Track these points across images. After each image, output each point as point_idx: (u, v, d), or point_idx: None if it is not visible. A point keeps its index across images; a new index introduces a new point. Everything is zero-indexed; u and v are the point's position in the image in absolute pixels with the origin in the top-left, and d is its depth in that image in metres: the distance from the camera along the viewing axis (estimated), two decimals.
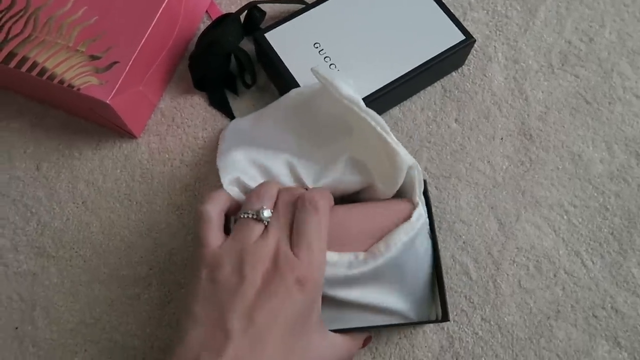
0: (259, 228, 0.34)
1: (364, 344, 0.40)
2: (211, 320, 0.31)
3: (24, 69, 0.44)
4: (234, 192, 0.39)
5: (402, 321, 0.40)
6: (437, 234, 0.46)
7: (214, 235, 0.35)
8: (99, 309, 0.44)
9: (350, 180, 0.41)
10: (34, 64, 0.44)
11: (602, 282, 0.46)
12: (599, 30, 0.55)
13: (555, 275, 0.46)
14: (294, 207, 0.35)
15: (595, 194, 0.48)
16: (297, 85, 0.47)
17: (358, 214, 0.38)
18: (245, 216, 0.35)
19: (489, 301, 0.45)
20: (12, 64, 0.44)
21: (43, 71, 0.44)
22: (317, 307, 0.34)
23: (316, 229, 0.34)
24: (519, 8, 0.56)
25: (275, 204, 0.36)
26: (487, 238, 0.47)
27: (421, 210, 0.39)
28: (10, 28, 0.46)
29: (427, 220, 0.40)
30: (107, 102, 0.43)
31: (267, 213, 0.35)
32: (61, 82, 0.44)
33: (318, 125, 0.44)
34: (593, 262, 0.46)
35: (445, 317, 0.40)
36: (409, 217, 0.38)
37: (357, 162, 0.41)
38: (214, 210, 0.36)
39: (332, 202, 0.38)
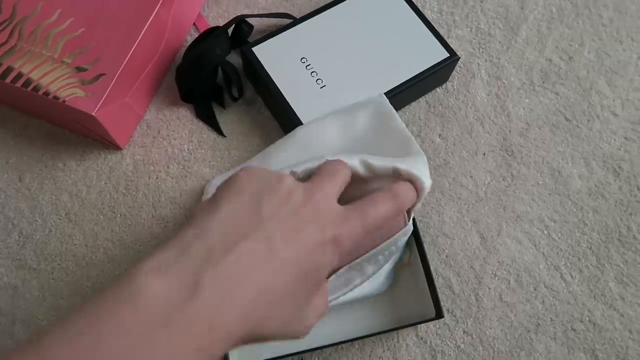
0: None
1: None
2: (247, 201, 0.28)
3: (8, 79, 0.44)
4: None
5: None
6: None
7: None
8: None
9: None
10: (19, 75, 0.44)
11: (581, 296, 0.47)
12: (578, 49, 0.57)
13: (535, 289, 0.47)
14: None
15: (574, 210, 0.50)
16: (284, 99, 0.47)
17: None
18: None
19: (471, 315, 0.45)
20: None
21: (28, 82, 0.44)
22: (326, 273, 0.31)
23: (383, 211, 0.32)
24: (501, 26, 0.58)
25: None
26: (469, 252, 0.48)
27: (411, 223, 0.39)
28: None
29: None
30: (93, 114, 0.43)
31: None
32: (46, 93, 0.43)
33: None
34: (572, 276, 0.47)
35: (439, 314, 0.41)
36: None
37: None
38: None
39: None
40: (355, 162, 0.35)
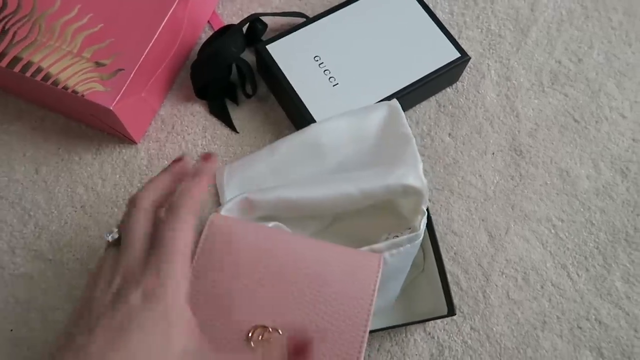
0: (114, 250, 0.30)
1: None
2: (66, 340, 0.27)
3: (28, 73, 0.45)
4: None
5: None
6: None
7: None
8: None
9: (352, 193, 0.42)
10: (39, 69, 0.45)
11: (587, 294, 0.47)
12: (587, 51, 0.58)
13: (542, 287, 0.47)
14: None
15: (582, 209, 0.50)
16: (297, 96, 0.48)
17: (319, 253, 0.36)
18: (108, 237, 0.31)
19: (478, 311, 0.46)
20: (17, 69, 0.45)
21: (47, 76, 0.45)
22: (185, 333, 0.28)
23: (173, 237, 0.29)
24: (511, 28, 0.58)
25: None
26: (477, 250, 0.48)
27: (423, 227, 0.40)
28: (15, 32, 0.46)
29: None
30: (111, 108, 0.44)
31: (113, 237, 0.31)
32: (65, 87, 0.44)
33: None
34: (578, 275, 0.48)
35: (451, 312, 0.42)
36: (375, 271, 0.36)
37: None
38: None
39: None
40: (351, 189, 0.41)
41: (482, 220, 0.49)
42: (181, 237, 0.29)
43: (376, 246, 0.39)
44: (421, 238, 0.40)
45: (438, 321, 0.46)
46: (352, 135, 0.47)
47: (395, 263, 0.40)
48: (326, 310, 0.34)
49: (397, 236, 0.41)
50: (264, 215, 0.43)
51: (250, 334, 0.33)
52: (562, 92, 0.55)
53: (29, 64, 0.45)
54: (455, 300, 0.46)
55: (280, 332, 0.33)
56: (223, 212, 0.41)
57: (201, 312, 0.32)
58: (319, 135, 0.46)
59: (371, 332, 0.42)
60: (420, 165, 0.42)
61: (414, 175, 0.41)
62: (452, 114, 0.54)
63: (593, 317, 0.46)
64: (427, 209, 0.43)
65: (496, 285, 0.47)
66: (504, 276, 0.47)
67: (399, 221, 0.44)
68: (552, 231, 0.49)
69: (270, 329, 0.33)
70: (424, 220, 0.41)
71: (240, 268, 0.35)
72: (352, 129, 0.47)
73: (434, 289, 0.44)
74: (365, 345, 0.34)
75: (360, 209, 0.44)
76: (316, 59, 0.50)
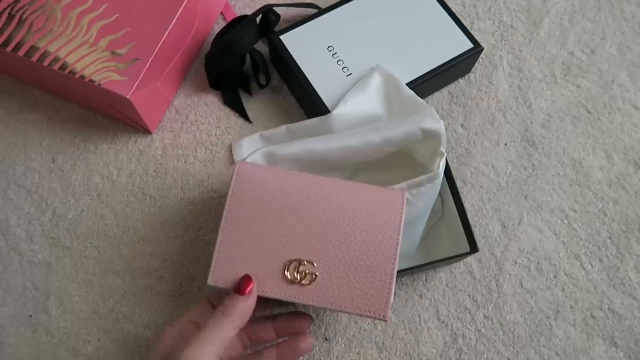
0: None
1: None
2: None
3: (45, 62, 0.45)
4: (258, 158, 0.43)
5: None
6: None
7: None
8: (112, 300, 0.45)
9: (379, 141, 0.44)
10: (56, 59, 0.45)
11: (600, 284, 0.47)
12: (600, 42, 0.57)
13: (555, 277, 0.47)
14: None
15: (595, 200, 0.50)
16: (311, 86, 0.48)
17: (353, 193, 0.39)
18: None
19: (491, 300, 0.46)
20: (34, 58, 0.45)
21: (64, 66, 0.45)
22: None
23: None
24: (523, 19, 0.58)
25: None
26: (490, 239, 0.49)
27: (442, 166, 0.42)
28: (32, 22, 0.47)
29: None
30: (128, 97, 0.44)
31: None
32: (82, 77, 0.45)
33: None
34: (592, 265, 0.48)
35: (474, 249, 0.42)
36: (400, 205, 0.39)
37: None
38: None
39: None
40: (374, 137, 0.43)
41: (495, 210, 0.50)
42: None
43: (397, 185, 0.41)
44: (441, 178, 0.42)
45: (452, 309, 0.46)
46: (360, 114, 0.47)
47: (417, 203, 0.42)
48: (357, 240, 0.37)
49: None
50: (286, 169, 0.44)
51: (286, 267, 0.36)
52: (575, 84, 0.55)
53: (46, 54, 0.46)
54: (469, 289, 0.47)
55: (315, 264, 0.36)
56: (249, 160, 0.43)
57: (238, 252, 0.36)
58: (331, 127, 0.47)
59: (398, 272, 0.41)
60: (433, 109, 0.44)
61: (430, 117, 0.43)
62: (464, 105, 0.54)
63: (606, 306, 0.47)
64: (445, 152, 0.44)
65: (509, 275, 0.47)
66: (517, 266, 0.48)
67: (418, 171, 0.45)
68: (565, 221, 0.49)
69: (305, 262, 0.36)
70: (443, 162, 0.42)
71: (272, 208, 0.37)
72: (360, 107, 0.47)
73: (454, 233, 0.45)
74: (396, 269, 0.36)
75: (380, 162, 0.46)
76: (329, 49, 0.50)
